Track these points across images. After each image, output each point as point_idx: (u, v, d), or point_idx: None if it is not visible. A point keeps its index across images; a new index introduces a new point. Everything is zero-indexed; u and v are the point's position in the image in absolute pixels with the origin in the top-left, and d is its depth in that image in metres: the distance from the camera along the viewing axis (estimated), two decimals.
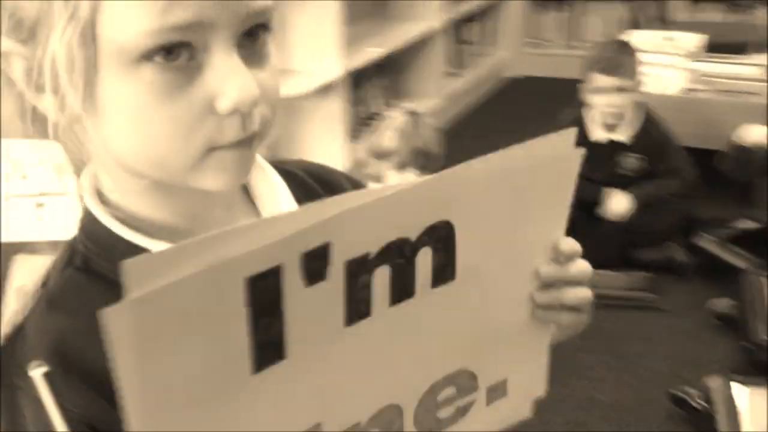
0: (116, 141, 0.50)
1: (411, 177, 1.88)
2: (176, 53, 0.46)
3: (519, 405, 0.65)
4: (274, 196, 0.61)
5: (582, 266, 0.58)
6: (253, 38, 0.49)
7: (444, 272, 0.54)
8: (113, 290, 0.36)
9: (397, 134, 1.91)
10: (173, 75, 0.46)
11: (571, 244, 0.58)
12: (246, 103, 0.48)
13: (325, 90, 2.60)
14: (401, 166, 1.92)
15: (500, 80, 4.17)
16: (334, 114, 2.58)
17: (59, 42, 0.46)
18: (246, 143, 0.50)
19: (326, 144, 2.65)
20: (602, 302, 1.86)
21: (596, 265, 0.62)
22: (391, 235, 0.48)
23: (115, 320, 0.36)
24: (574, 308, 0.60)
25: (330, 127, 2.65)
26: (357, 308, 0.49)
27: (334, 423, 0.53)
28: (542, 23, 4.22)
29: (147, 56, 0.45)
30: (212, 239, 0.39)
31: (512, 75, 4.18)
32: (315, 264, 0.45)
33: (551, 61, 4.02)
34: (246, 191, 0.61)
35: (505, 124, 3.47)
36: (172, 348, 0.41)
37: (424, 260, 0.51)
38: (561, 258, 0.57)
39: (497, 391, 0.62)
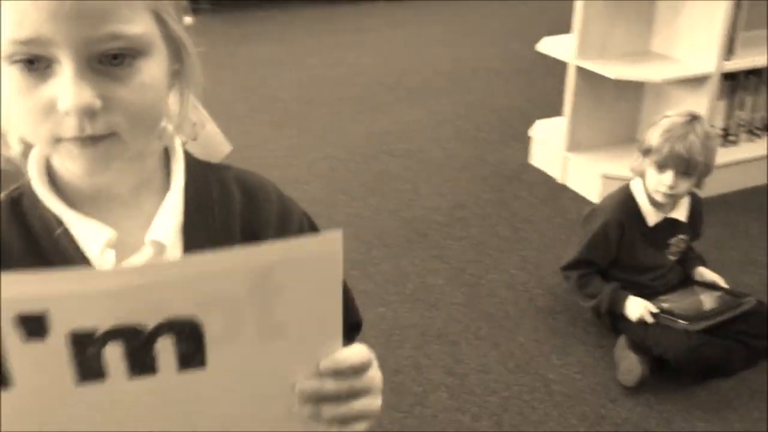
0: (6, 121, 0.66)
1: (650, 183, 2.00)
2: (36, 62, 0.60)
3: None
4: (169, 194, 0.73)
5: (348, 382, 0.60)
6: (116, 60, 0.61)
7: (193, 359, 0.55)
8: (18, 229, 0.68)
9: (663, 134, 1.95)
10: (30, 77, 0.60)
11: (338, 361, 0.59)
12: (77, 109, 0.59)
13: (695, 82, 2.78)
14: (660, 166, 1.96)
15: None
16: (700, 108, 2.71)
17: None
18: (89, 142, 0.62)
19: None
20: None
21: None
22: (123, 319, 0.52)
23: None
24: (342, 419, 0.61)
25: None
26: (88, 371, 0.53)
27: None
28: None
29: (13, 60, 0.60)
30: None
31: None
32: (32, 325, 0.51)
33: None
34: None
35: None
36: None
37: (165, 345, 0.53)
38: (328, 373, 0.59)
39: None
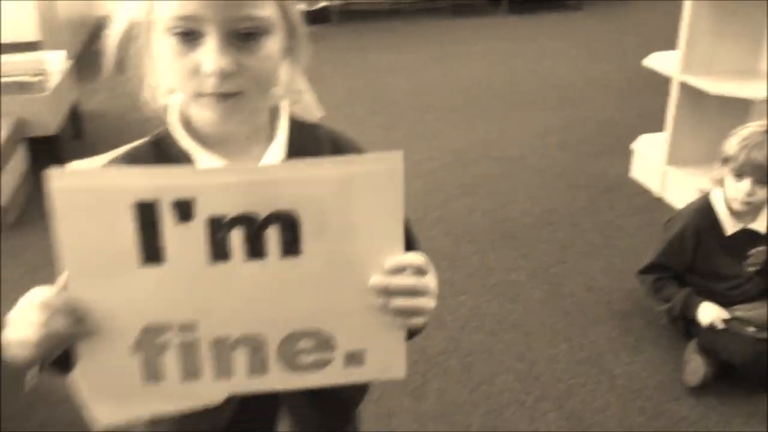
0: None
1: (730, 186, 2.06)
2: (189, 35, 0.79)
3: (375, 376, 0.80)
4: (274, 143, 0.90)
5: (412, 280, 0.75)
6: (248, 37, 0.79)
7: (291, 247, 0.70)
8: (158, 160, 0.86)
9: (741, 143, 2.03)
10: (184, 46, 0.79)
11: (400, 260, 0.74)
12: (217, 72, 0.78)
13: None
14: (738, 174, 2.04)
15: None
16: None
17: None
18: (222, 98, 0.80)
19: None
20: None
21: None
22: (244, 208, 0.68)
23: (54, 187, 0.65)
24: (405, 312, 0.75)
25: None
26: (218, 252, 0.69)
27: (207, 327, 0.73)
28: None
29: (173, 32, 0.79)
30: (132, 169, 0.69)
31: None
32: (183, 210, 0.67)
33: None
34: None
35: None
36: (84, 226, 0.67)
37: (272, 234, 0.70)
38: (393, 270, 0.73)
39: (355, 359, 0.76)
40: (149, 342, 0.73)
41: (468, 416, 1.96)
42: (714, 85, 2.85)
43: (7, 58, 3.29)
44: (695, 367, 2.04)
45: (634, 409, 1.98)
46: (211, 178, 0.69)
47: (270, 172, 0.72)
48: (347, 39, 6.18)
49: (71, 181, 0.67)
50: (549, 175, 3.44)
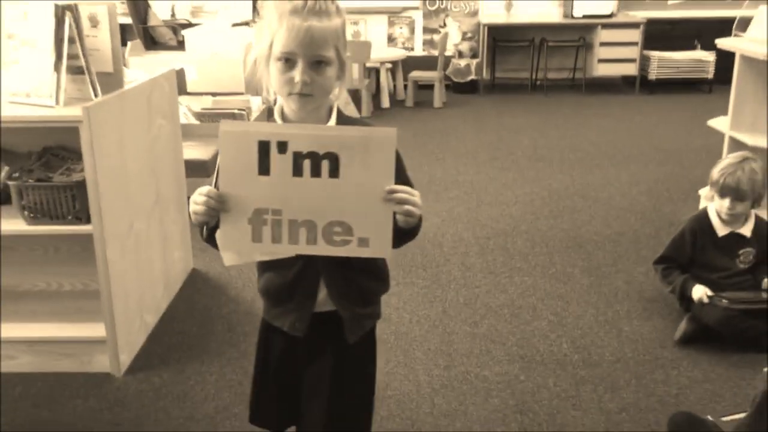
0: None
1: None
2: (288, 62, 1.36)
3: (373, 254, 1.32)
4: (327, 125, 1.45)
5: (405, 195, 1.29)
6: (318, 65, 1.37)
7: (335, 173, 1.25)
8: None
9: (720, 171, 2.79)
10: (285, 67, 1.37)
11: (396, 188, 1.29)
12: (302, 82, 1.36)
13: None
14: (720, 194, 2.80)
15: None
16: None
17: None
18: (301, 97, 1.38)
19: None
20: None
21: None
22: (310, 148, 1.24)
23: (222, 130, 1.26)
24: (403, 212, 1.31)
25: None
26: (297, 171, 1.25)
27: (287, 213, 1.27)
28: None
29: (279, 59, 1.37)
30: (265, 124, 1.43)
31: None
32: (281, 146, 1.25)
33: None
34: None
35: None
36: (232, 151, 1.26)
37: (325, 164, 1.25)
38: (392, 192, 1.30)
39: (363, 242, 1.29)
40: (256, 218, 1.27)
41: (507, 340, 2.81)
42: (753, 139, 3.57)
43: (224, 98, 4.62)
44: (681, 327, 2.77)
45: (628, 350, 2.74)
46: (297, 130, 1.27)
47: (325, 130, 1.31)
48: (489, 106, 7.25)
49: (228, 127, 1.27)
50: (628, 212, 4.20)
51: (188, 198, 1.57)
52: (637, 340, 2.81)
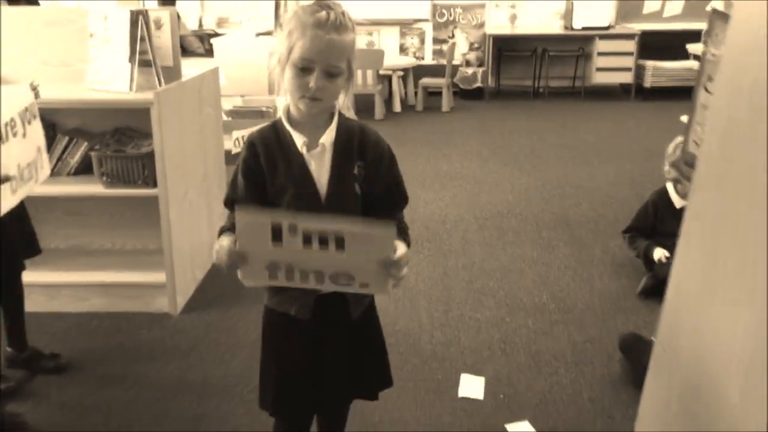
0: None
1: None
2: (305, 69, 1.50)
3: (373, 292, 1.60)
4: (326, 135, 1.59)
5: (398, 270, 1.43)
6: (331, 74, 1.51)
7: (340, 247, 1.39)
8: (272, 135, 1.62)
9: (669, 153, 3.38)
10: (301, 73, 1.50)
11: (392, 263, 1.41)
12: (316, 87, 1.50)
13: None
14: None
15: None
16: None
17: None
18: (311, 100, 1.52)
19: None
20: None
21: None
22: (320, 231, 1.39)
23: (239, 215, 1.42)
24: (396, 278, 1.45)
25: None
26: (306, 242, 1.40)
27: (298, 265, 1.43)
28: None
29: (297, 66, 1.50)
30: (271, 211, 1.52)
31: None
32: (293, 229, 1.38)
33: None
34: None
35: None
36: (248, 230, 1.42)
37: (331, 239, 1.39)
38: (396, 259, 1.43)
39: (363, 286, 1.47)
40: (272, 267, 1.45)
41: (496, 293, 3.34)
42: None
43: (252, 97, 5.20)
44: (642, 282, 3.30)
45: (597, 300, 3.27)
46: (307, 222, 1.39)
47: (332, 224, 1.39)
48: (493, 111, 7.82)
49: (245, 216, 1.42)
50: (611, 199, 4.74)
51: (227, 182, 1.87)
52: (606, 293, 3.34)
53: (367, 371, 1.77)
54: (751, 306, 1.36)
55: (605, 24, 8.30)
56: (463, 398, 2.52)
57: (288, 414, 1.78)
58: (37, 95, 2.43)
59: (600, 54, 8.26)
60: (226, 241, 1.50)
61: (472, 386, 2.59)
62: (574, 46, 8.48)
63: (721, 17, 2.09)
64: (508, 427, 2.36)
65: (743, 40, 1.56)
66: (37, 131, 2.38)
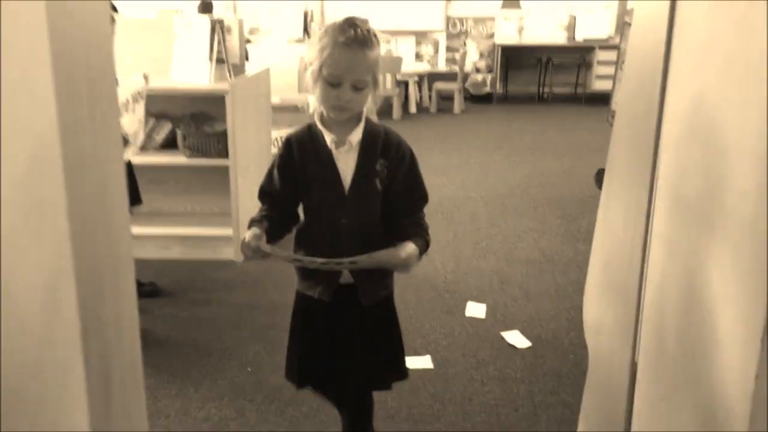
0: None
1: None
2: (334, 84, 1.68)
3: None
4: (353, 134, 1.78)
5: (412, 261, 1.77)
6: (357, 87, 1.69)
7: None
8: (306, 134, 1.83)
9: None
10: (329, 87, 1.69)
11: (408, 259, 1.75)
12: (343, 99, 1.70)
13: None
14: None
15: None
16: None
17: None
18: (340, 109, 1.72)
19: None
20: None
21: None
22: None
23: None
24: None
25: None
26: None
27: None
28: None
29: (326, 80, 1.69)
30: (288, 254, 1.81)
31: None
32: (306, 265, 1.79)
33: None
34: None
35: None
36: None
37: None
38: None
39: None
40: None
41: (497, 251, 4.10)
42: None
43: (287, 96, 6.01)
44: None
45: (580, 257, 4.02)
46: (326, 261, 1.72)
47: (349, 262, 1.72)
48: (501, 113, 8.63)
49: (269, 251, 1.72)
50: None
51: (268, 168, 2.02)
52: (587, 252, 4.08)
53: (382, 360, 1.94)
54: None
55: (605, 36, 9.08)
56: (469, 317, 3.28)
57: (311, 386, 2.02)
58: (147, 82, 3.24)
59: (600, 63, 9.03)
60: (249, 235, 1.74)
61: (476, 309, 3.35)
62: (576, 56, 9.26)
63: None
64: (503, 334, 3.12)
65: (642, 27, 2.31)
66: (140, 109, 3.18)
